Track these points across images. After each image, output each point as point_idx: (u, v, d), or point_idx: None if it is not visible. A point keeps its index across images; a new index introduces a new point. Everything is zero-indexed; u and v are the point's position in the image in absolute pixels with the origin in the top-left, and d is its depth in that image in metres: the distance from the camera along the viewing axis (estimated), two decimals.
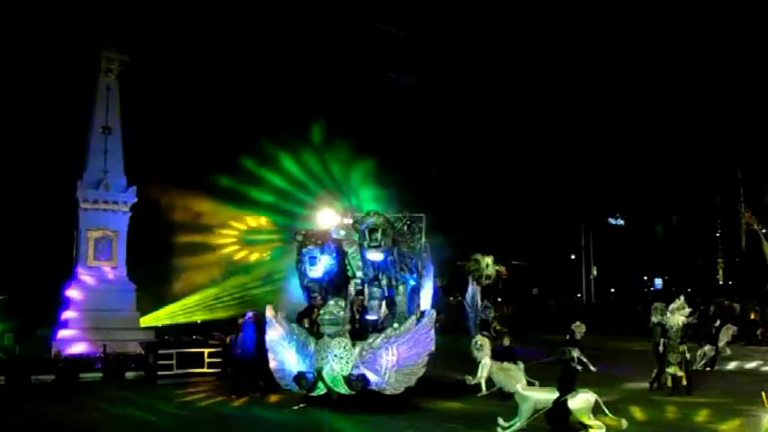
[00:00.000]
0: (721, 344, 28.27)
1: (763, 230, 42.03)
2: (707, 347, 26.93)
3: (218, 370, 24.59)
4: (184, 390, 22.04)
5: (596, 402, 14.71)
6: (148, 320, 31.09)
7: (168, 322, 32.81)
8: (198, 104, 37.29)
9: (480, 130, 47.18)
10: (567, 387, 14.65)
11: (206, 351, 25.09)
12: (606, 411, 14.92)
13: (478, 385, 20.32)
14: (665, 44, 45.04)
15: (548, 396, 14.78)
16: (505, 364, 18.22)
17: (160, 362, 24.14)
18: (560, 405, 14.44)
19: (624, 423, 14.93)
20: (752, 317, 41.24)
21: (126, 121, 30.03)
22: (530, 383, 17.08)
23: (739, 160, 46.44)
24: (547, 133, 49.85)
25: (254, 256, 41.15)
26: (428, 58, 41.96)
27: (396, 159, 34.69)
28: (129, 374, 24.55)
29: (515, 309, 47.36)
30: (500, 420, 15.17)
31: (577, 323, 26.27)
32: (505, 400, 18.69)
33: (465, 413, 18.12)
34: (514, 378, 16.36)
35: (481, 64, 44.80)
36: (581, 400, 14.52)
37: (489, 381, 19.64)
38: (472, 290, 24.86)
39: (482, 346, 19.88)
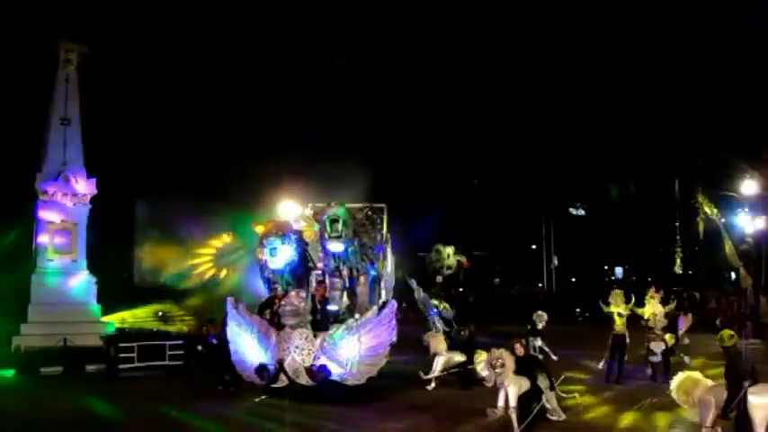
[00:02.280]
0: (681, 332, 28.62)
1: (722, 220, 42.46)
2: (667, 336, 27.25)
3: (181, 362, 24.56)
4: (145, 383, 21.98)
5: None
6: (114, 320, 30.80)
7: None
8: (160, 96, 37.06)
9: (441, 120, 47.24)
10: (533, 372, 14.93)
11: (167, 344, 25.01)
12: (561, 394, 15.88)
13: (430, 379, 20.57)
14: (625, 32, 45.31)
15: (527, 383, 14.88)
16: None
17: (121, 355, 24.00)
18: (534, 388, 14.68)
19: (578, 397, 15.53)
20: (711, 305, 41.88)
21: (85, 112, 29.81)
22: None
23: (698, 150, 46.86)
24: (507, 123, 50.00)
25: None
26: (390, 43, 41.90)
27: (357, 150, 34.65)
28: (90, 368, 24.41)
29: (476, 299, 47.64)
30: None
31: (539, 312, 26.46)
32: (467, 389, 18.92)
33: (427, 403, 18.21)
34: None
35: (443, 50, 44.83)
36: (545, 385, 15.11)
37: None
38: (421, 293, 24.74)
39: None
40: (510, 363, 14.51)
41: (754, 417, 11.44)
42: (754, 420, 11.43)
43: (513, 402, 14.45)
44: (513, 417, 14.36)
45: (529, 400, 14.61)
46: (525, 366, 15.12)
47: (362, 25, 39.83)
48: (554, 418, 15.28)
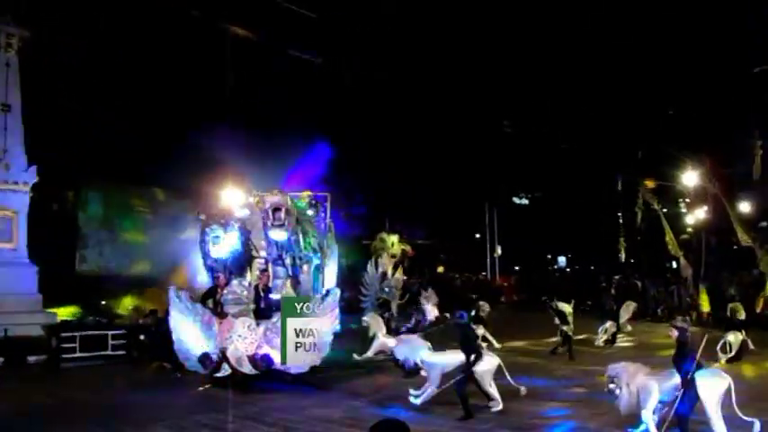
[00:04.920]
0: (622, 320, 29.10)
1: (664, 210, 43.16)
2: (608, 324, 27.70)
3: (123, 352, 24.40)
4: (88, 373, 21.81)
5: (499, 367, 15.38)
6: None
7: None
8: (105, 81, 36.55)
9: (385, 109, 47.26)
10: (470, 348, 15.01)
11: (110, 333, 24.81)
12: (508, 377, 15.60)
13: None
14: (568, 22, 45.63)
15: (454, 358, 15.10)
16: (404, 336, 18.82)
17: (63, 345, 23.76)
18: (468, 368, 14.79)
19: (523, 390, 15.61)
20: (652, 294, 42.54)
21: (27, 98, 29.29)
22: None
23: (640, 141, 47.60)
24: (451, 112, 50.20)
25: None
26: (333, 34, 41.75)
27: (302, 137, 34.54)
28: (32, 358, 24.10)
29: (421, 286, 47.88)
30: (411, 391, 15.60)
31: (480, 303, 26.70)
32: (411, 378, 19.04)
33: (369, 390, 18.32)
34: (418, 348, 16.99)
35: (389, 40, 44.76)
36: (486, 363, 15.03)
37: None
38: (373, 269, 25.11)
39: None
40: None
41: (703, 400, 11.57)
42: (705, 404, 11.57)
43: (434, 382, 15.34)
44: (429, 391, 15.28)
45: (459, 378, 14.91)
46: (466, 340, 15.34)
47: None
48: (491, 404, 15.34)
